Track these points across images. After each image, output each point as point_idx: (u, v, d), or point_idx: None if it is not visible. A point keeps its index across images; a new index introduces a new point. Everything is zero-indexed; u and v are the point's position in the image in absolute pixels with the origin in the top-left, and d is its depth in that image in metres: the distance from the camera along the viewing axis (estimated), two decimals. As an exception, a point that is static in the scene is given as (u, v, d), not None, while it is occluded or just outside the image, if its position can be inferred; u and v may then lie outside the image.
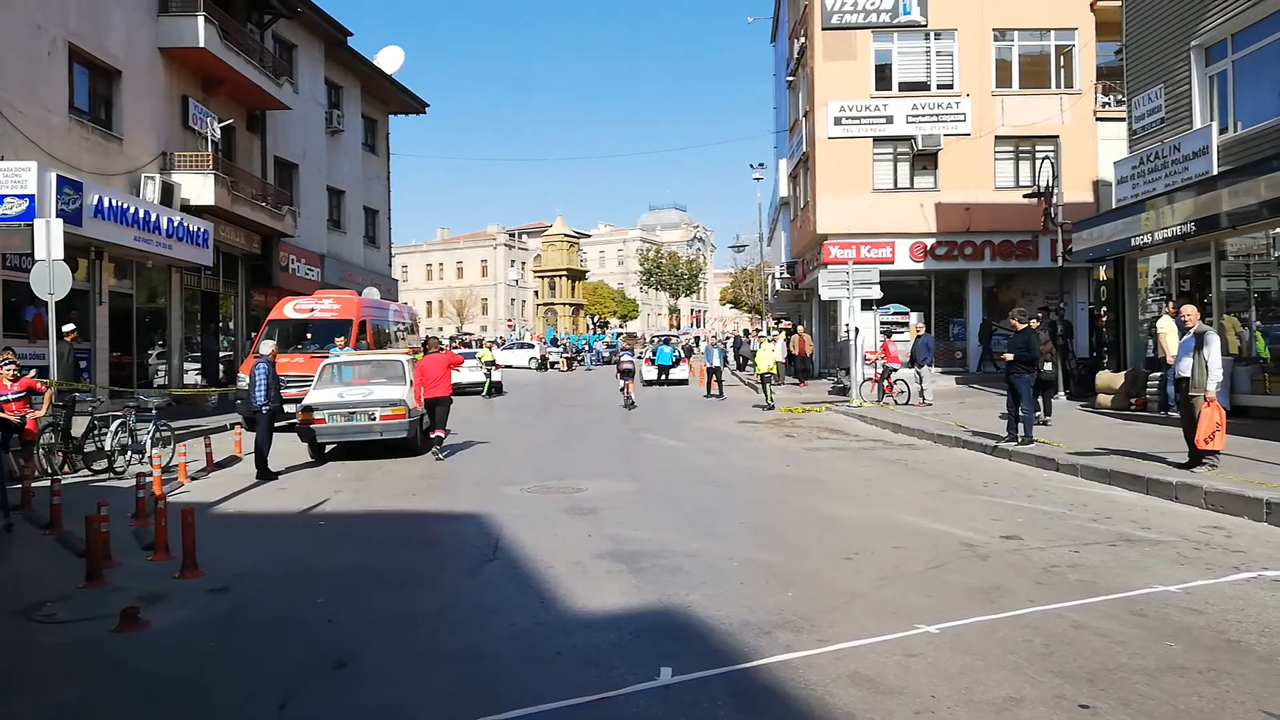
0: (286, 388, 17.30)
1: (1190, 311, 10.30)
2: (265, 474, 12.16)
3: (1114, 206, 18.06)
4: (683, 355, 36.79)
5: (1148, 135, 17.16)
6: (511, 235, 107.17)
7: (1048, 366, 14.95)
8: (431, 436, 14.06)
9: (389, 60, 34.25)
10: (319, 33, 29.09)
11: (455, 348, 26.49)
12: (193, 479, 11.97)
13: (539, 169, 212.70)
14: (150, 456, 11.86)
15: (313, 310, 20.51)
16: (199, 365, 23.20)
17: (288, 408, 15.04)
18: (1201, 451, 9.69)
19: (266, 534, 8.79)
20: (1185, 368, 9.89)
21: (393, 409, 13.69)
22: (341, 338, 18.99)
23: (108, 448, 12.56)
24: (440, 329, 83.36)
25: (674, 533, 8.14)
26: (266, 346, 13.26)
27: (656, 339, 43.94)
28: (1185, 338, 10.12)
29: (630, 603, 5.96)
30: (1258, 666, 4.66)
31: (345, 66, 31.57)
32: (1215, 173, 14.70)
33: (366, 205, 34.27)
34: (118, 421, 12.85)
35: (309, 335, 20.15)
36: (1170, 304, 15.75)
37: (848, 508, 9.27)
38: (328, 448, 14.25)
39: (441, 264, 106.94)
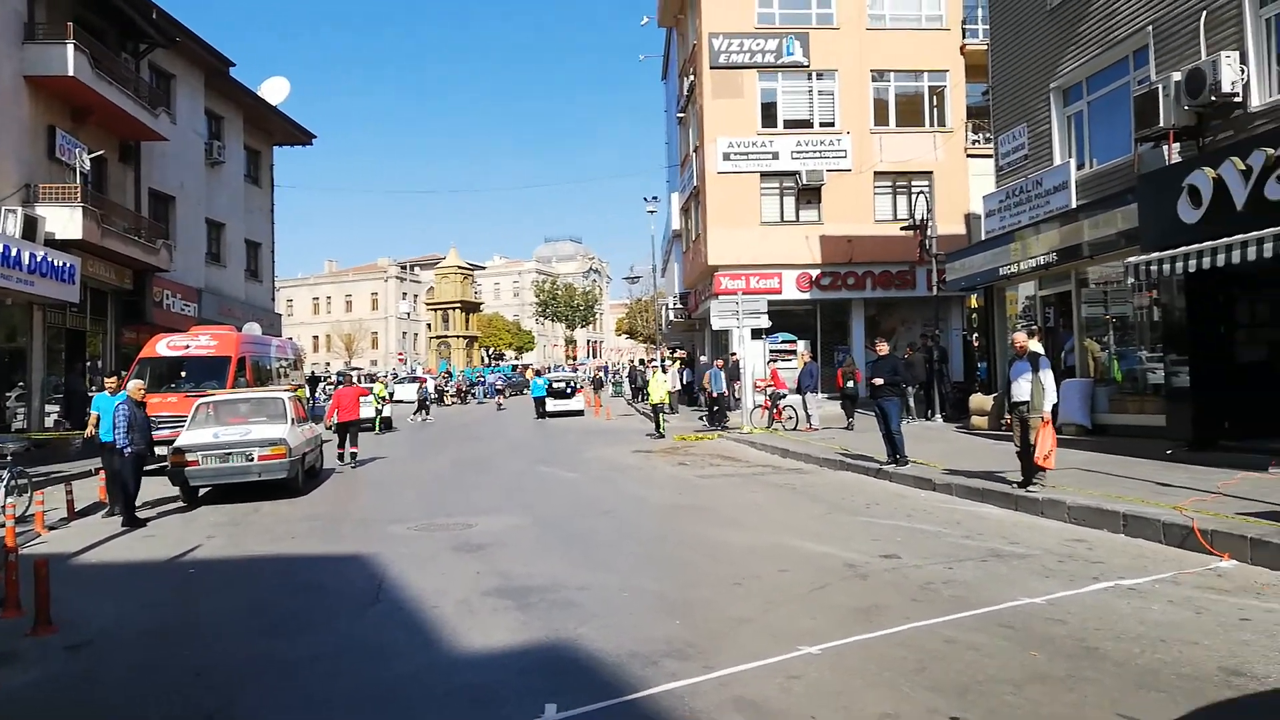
0: (159, 429, 16.52)
1: (1020, 338, 10.81)
2: (132, 520, 11.51)
3: (983, 238, 19.09)
4: (579, 386, 37.21)
5: (1013, 171, 18.25)
6: (403, 267, 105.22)
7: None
8: (347, 453, 17.77)
9: (273, 91, 33.38)
10: (199, 63, 28.15)
11: (368, 383, 31.03)
12: (51, 528, 11.22)
13: (432, 202, 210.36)
14: (3, 506, 11.04)
15: (188, 347, 19.64)
16: (61, 407, 21.82)
17: (160, 449, 14.33)
18: (1036, 469, 10.19)
19: (131, 584, 8.29)
20: (1021, 391, 10.34)
21: (272, 449, 13.19)
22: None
23: (-46, 498, 11.64)
24: (328, 364, 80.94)
25: (564, 566, 8.08)
26: (132, 385, 12.58)
27: (541, 372, 44.45)
28: (1019, 362, 10.54)
29: (518, 640, 5.87)
30: (1113, 671, 4.93)
31: (227, 97, 30.61)
32: (1074, 206, 15.74)
33: (248, 238, 33.11)
34: (-35, 470, 11.94)
35: (183, 374, 19.27)
36: (1037, 328, 16.68)
37: (737, 534, 9.39)
38: (201, 491, 13.58)
39: (329, 297, 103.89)
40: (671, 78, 39.16)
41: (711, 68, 27.58)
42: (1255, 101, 12.04)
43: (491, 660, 5.49)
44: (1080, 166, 16.19)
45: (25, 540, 10.48)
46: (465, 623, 6.30)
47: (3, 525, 10.03)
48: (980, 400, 18.30)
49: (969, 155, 27.83)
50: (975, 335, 21.34)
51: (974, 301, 20.89)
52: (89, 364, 23.28)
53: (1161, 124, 12.87)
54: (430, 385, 44.98)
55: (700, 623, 6.13)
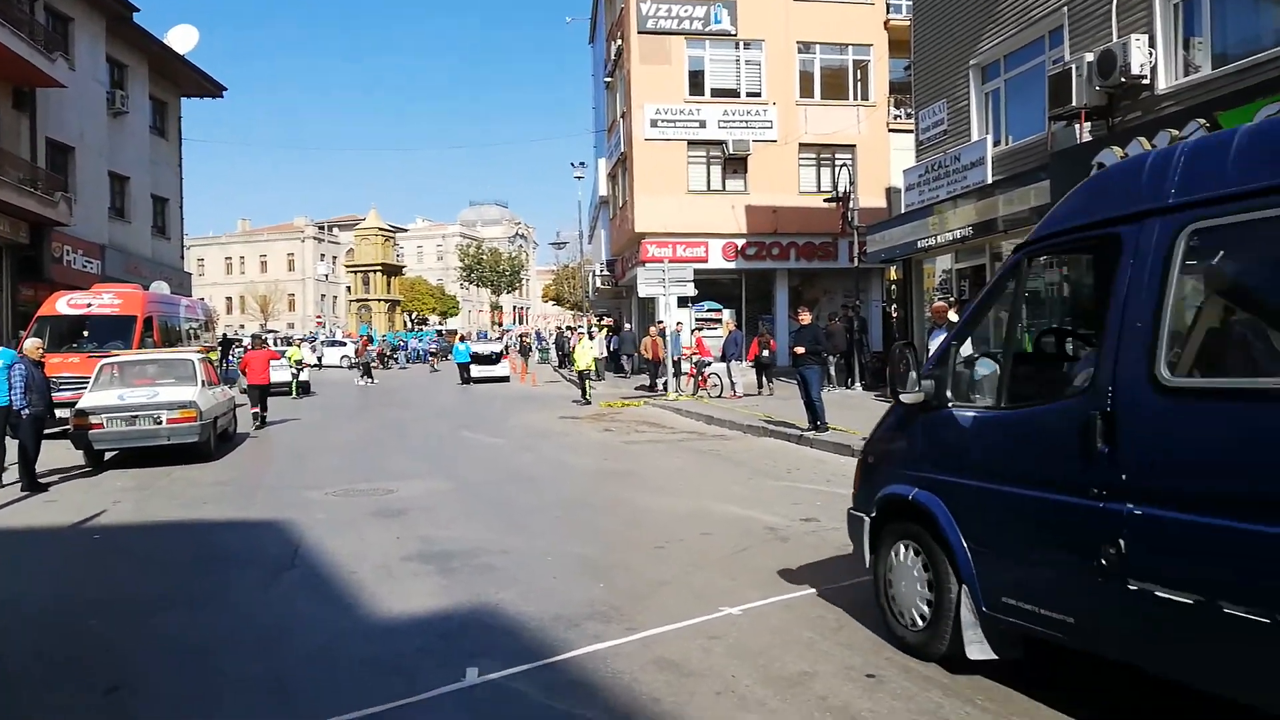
0: (59, 390, 15.76)
1: (941, 306, 11.06)
2: (32, 485, 10.98)
3: (903, 211, 19.47)
4: (504, 351, 36.99)
5: (932, 146, 18.61)
6: (321, 228, 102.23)
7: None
8: (256, 414, 17.59)
9: (181, 39, 31.74)
10: (100, 7, 26.52)
11: (280, 346, 31.45)
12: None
13: (352, 161, 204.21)
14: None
15: (90, 305, 18.78)
16: (-48, 368, 20.60)
17: (61, 412, 13.70)
18: None
19: (30, 553, 7.91)
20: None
21: (182, 411, 12.71)
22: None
23: None
24: (242, 326, 78.33)
25: (487, 531, 8.01)
26: (29, 344, 11.94)
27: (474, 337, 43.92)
28: (937, 330, 10.80)
29: (439, 605, 5.79)
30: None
31: (131, 44, 28.97)
32: (990, 181, 16.14)
33: (155, 193, 31.61)
34: None
35: (85, 333, 18.40)
36: (954, 299, 17.14)
37: (662, 499, 9.45)
38: (106, 455, 13.02)
39: (243, 257, 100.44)
40: (599, 41, 38.67)
41: (640, 32, 27.34)
42: (1162, 84, 12.49)
43: (412, 626, 5.41)
44: (997, 143, 16.59)
45: (-89, 508, 9.92)
46: (384, 588, 6.19)
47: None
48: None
49: (891, 130, 28.29)
50: (894, 306, 21.82)
51: (893, 274, 21.33)
52: (-19, 322, 22.01)
53: (1074, 103, 13.26)
54: (373, 350, 43.12)
55: (623, 586, 6.15)
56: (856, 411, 15.98)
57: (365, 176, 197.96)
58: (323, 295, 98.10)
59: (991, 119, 16.88)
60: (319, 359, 44.52)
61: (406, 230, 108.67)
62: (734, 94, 28.07)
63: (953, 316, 14.69)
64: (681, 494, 9.70)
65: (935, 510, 4.49)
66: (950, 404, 4.57)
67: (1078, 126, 13.56)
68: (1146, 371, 3.49)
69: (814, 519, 8.19)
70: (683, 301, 23.55)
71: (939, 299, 16.16)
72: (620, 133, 30.66)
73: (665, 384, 21.85)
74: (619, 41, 29.94)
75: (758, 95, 28.08)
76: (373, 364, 36.76)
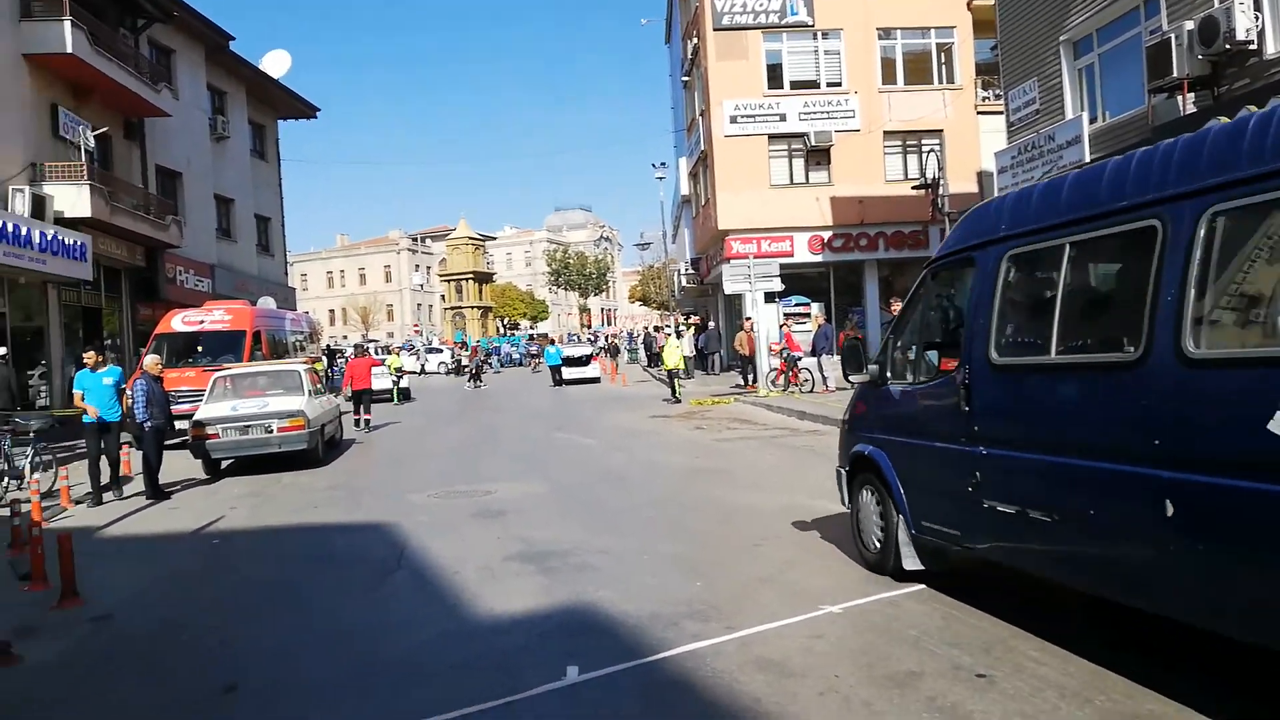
0: (177, 403, 16.62)
1: None
2: (156, 493, 11.63)
3: (995, 195, 18.81)
4: (595, 353, 37.39)
5: (1024, 126, 17.95)
6: (415, 240, 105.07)
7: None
8: (362, 419, 18.99)
9: (275, 64, 33.16)
10: (199, 37, 27.93)
11: (381, 355, 32.93)
12: (77, 502, 11.31)
13: (442, 173, 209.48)
14: (28, 481, 11.18)
15: (202, 322, 19.72)
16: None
17: (181, 424, 14.43)
18: None
19: (154, 557, 8.35)
20: None
21: (291, 420, 13.25)
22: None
23: (-21, 476, 11.78)
24: (345, 337, 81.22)
25: (583, 531, 8.10)
26: (149, 361, 12.63)
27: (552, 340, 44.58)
28: None
29: (539, 603, 5.88)
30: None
31: (229, 71, 30.40)
32: (1087, 160, 15.46)
33: (258, 213, 33.09)
34: (-10, 448, 12.07)
35: (199, 348, 19.34)
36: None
37: (755, 495, 9.39)
38: (224, 463, 13.68)
39: (343, 271, 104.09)
40: (675, 41, 38.64)
41: (715, 29, 27.20)
42: (1271, 48, 11.76)
43: (514, 624, 5.51)
44: (1093, 120, 15.89)
45: (51, 514, 10.59)
46: (487, 588, 6.32)
47: (28, 500, 10.23)
48: (996, 359, 18.14)
49: (979, 112, 27.41)
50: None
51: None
52: (107, 341, 23.38)
53: (1175, 74, 12.60)
54: (481, 355, 44.84)
55: (720, 584, 6.13)
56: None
57: (454, 187, 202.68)
58: (419, 304, 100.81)
59: (1086, 95, 16.18)
60: (422, 366, 45.85)
61: (495, 238, 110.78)
62: (814, 85, 27.65)
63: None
64: (776, 490, 9.61)
65: (881, 462, 6.05)
66: (889, 382, 6.14)
67: (1180, 98, 12.88)
68: (985, 355, 4.96)
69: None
70: (769, 297, 23.32)
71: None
72: (700, 131, 30.57)
73: (760, 380, 21.72)
74: (695, 40, 29.85)
75: (838, 85, 27.59)
76: (482, 369, 37.76)
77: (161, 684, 4.94)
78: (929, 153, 23.79)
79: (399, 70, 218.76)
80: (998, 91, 22.93)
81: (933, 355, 5.91)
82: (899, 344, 6.24)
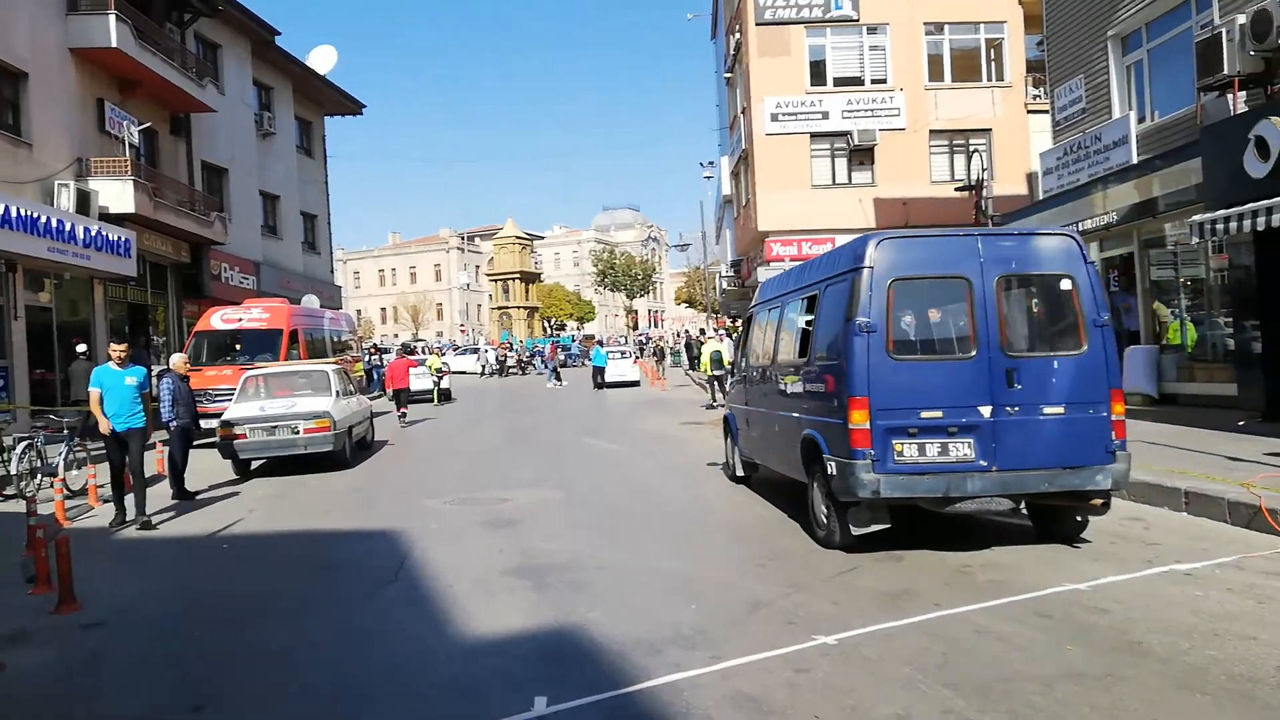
0: (214, 401, 16.82)
1: None
2: (181, 493, 11.69)
3: (1041, 198, 18.22)
4: (636, 356, 37.12)
5: (1070, 126, 17.32)
6: (464, 238, 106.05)
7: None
8: (399, 413, 21.14)
9: (321, 60, 33.46)
10: (245, 32, 28.29)
11: (424, 355, 33.82)
12: (106, 501, 11.40)
13: (491, 171, 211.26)
14: (58, 480, 11.32)
15: (240, 320, 19.93)
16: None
17: (212, 422, 14.53)
18: None
19: (164, 560, 8.36)
20: None
21: (317, 422, 13.27)
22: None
23: (13, 471, 11.98)
24: (395, 335, 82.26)
25: (588, 544, 7.91)
26: (176, 359, 12.73)
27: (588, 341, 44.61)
28: None
29: (526, 624, 5.70)
30: (1155, 670, 4.54)
31: (275, 67, 30.78)
32: (1135, 161, 14.86)
33: (304, 210, 33.49)
34: (24, 443, 12.27)
35: (238, 346, 19.57)
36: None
37: (773, 510, 9.10)
38: (253, 463, 13.76)
39: (394, 269, 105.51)
40: (720, 36, 38.27)
41: (757, 24, 26.81)
42: (1329, 45, 11.12)
43: (494, 646, 5.33)
44: (1141, 119, 15.28)
45: (78, 513, 10.75)
46: (476, 604, 6.15)
47: (51, 501, 10.37)
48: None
49: (1029, 111, 26.64)
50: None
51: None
52: (152, 338, 23.82)
53: (1226, 71, 12.00)
54: (561, 355, 45.56)
55: (715, 607, 5.88)
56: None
57: (503, 186, 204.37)
58: (467, 304, 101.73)
59: (1134, 93, 15.54)
60: (483, 366, 46.18)
61: (543, 237, 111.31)
62: (858, 82, 27.12)
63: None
64: (797, 504, 9.28)
65: (731, 419, 11.04)
66: (739, 374, 10.77)
67: (1230, 96, 12.27)
68: (743, 364, 10.60)
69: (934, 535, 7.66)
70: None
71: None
72: (741, 129, 30.20)
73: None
74: (737, 35, 29.51)
75: (883, 82, 27.03)
76: (558, 366, 38.32)
77: (134, 699, 4.84)
78: (974, 153, 23.18)
79: (448, 68, 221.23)
80: (1048, 90, 22.24)
81: (742, 362, 10.68)
82: (740, 354, 11.02)
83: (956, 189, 22.73)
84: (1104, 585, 6.01)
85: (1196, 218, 11.53)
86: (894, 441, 6.67)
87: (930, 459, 6.67)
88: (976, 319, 6.77)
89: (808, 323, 8.08)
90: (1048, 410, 6.70)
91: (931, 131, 26.82)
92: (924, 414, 6.67)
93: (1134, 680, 4.42)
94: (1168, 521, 7.88)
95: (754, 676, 4.62)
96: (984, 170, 21.20)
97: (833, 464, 6.98)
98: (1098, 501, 6.86)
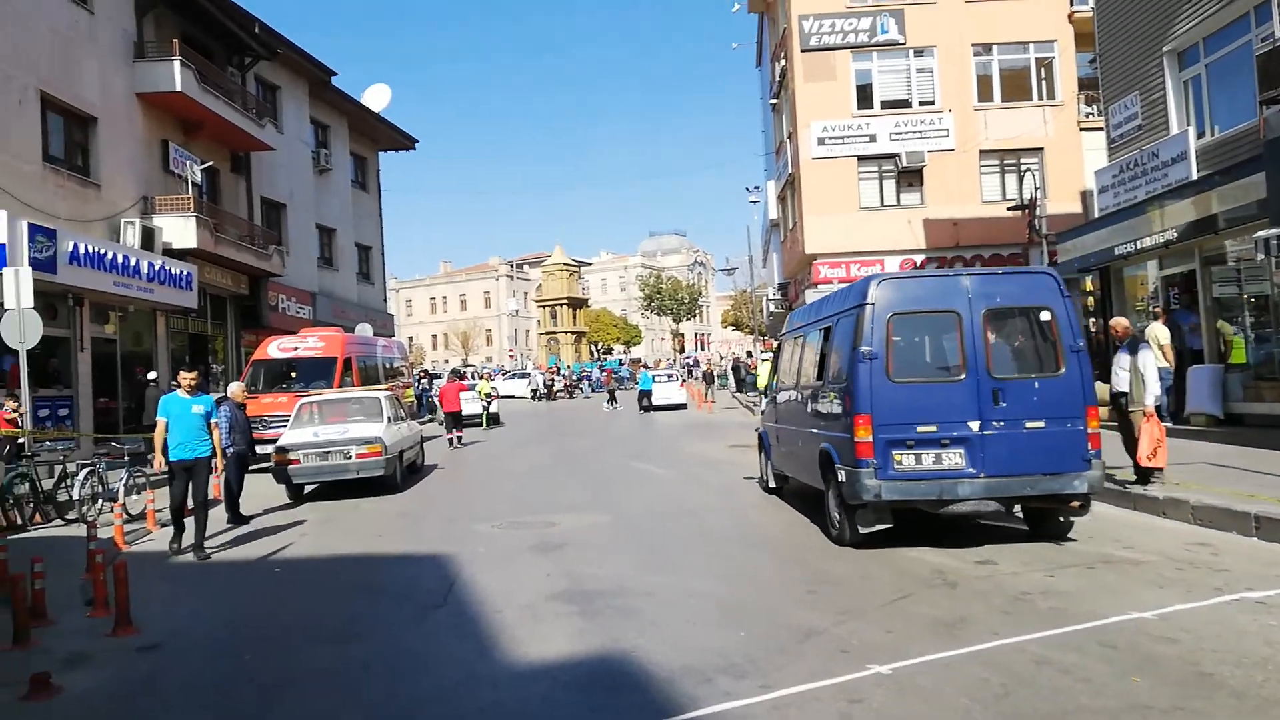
0: (270, 427, 17.15)
1: (1118, 323, 10.07)
2: (236, 517, 11.93)
3: (1096, 216, 17.83)
4: (682, 380, 36.98)
5: (1126, 143, 16.95)
6: (513, 266, 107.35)
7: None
8: (452, 436, 21.65)
9: (375, 98, 34.35)
10: (302, 73, 29.18)
11: (474, 379, 34.98)
12: (164, 525, 11.64)
13: (539, 200, 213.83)
14: (117, 505, 11.61)
15: (297, 349, 20.35)
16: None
17: (268, 448, 14.80)
18: (1148, 470, 9.36)
19: (218, 583, 8.49)
20: (1121, 382, 9.62)
21: (368, 447, 13.44)
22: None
23: (75, 496, 12.30)
24: (446, 361, 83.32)
25: (636, 568, 7.85)
26: (234, 388, 13.02)
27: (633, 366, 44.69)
28: (1120, 349, 9.82)
29: (573, 650, 5.65)
30: (1228, 704, 4.33)
31: (331, 105, 31.65)
32: (1194, 178, 14.48)
33: (359, 242, 34.24)
34: (85, 469, 12.61)
35: (294, 374, 19.96)
36: (1160, 311, 15.46)
37: (820, 537, 8.94)
38: (306, 488, 13.96)
39: (445, 297, 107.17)
40: (765, 63, 38.39)
41: (802, 50, 26.82)
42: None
43: (542, 672, 5.28)
44: (1200, 135, 14.88)
45: (136, 537, 10.99)
46: (524, 629, 6.13)
47: (110, 524, 10.61)
48: (1099, 390, 17.02)
49: (1082, 129, 26.18)
50: (1093, 320, 19.98)
51: (1089, 284, 19.54)
52: (211, 367, 24.42)
53: (1288, 83, 11.64)
54: (614, 378, 46.00)
55: (765, 634, 5.77)
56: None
57: (551, 214, 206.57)
58: (515, 330, 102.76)
59: (1193, 109, 15.17)
60: (533, 390, 46.70)
61: (590, 264, 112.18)
62: (905, 104, 26.95)
63: (1158, 329, 13.26)
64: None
65: (765, 436, 11.83)
66: (773, 393, 11.50)
67: (1293, 109, 11.89)
68: (773, 386, 11.75)
69: (990, 561, 7.46)
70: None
71: (1150, 310, 14.70)
72: (787, 154, 30.17)
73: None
74: (783, 62, 29.55)
75: (931, 104, 26.82)
76: (616, 390, 38.43)
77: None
78: (1026, 172, 22.82)
79: (496, 100, 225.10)
80: (1101, 107, 21.86)
81: (774, 384, 11.69)
82: (771, 377, 12.12)
83: (1009, 209, 22.37)
84: (1171, 614, 5.77)
85: (1261, 234, 11.16)
86: (894, 452, 7.67)
87: (926, 467, 7.69)
88: (965, 346, 7.74)
89: (824, 350, 9.15)
90: (1030, 424, 7.65)
91: (982, 151, 26.49)
92: (920, 428, 7.66)
93: (1205, 714, 4.22)
94: (1237, 547, 7.56)
95: (806, 707, 4.51)
96: (1036, 189, 20.85)
97: (842, 472, 8.03)
98: (1075, 504, 7.85)
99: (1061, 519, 8.14)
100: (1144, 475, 9.46)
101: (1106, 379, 17.56)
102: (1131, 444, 9.53)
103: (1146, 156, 15.91)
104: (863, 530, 7.94)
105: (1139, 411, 9.35)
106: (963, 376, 7.71)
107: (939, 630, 5.67)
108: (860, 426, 7.68)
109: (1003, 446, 7.60)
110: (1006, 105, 26.66)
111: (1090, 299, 19.31)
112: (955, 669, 4.97)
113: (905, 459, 7.68)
